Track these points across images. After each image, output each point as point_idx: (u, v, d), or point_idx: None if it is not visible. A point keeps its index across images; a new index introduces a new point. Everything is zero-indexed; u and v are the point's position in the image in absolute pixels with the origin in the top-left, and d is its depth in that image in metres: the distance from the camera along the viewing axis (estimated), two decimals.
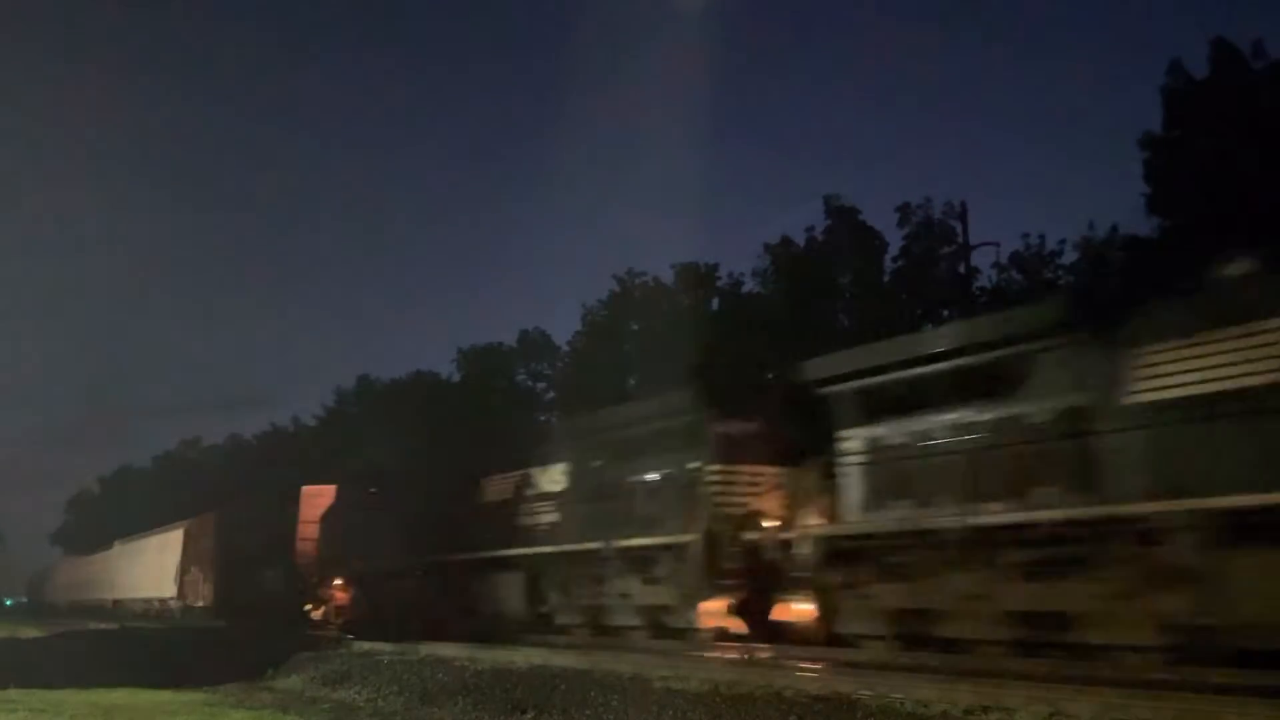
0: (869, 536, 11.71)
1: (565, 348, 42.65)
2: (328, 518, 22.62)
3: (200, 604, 30.38)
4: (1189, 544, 8.63)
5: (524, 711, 9.21)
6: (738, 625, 13.25)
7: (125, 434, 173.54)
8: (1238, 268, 9.16)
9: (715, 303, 35.39)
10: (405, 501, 20.33)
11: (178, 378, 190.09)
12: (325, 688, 12.29)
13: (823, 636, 12.35)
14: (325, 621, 21.74)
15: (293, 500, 24.37)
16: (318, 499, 23.44)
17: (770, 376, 24.95)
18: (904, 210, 30.61)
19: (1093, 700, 6.75)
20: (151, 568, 37.06)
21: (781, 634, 12.97)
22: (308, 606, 23.00)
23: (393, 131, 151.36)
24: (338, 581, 21.61)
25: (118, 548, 44.00)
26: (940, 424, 11.27)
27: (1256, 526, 8.21)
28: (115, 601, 42.87)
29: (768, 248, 33.61)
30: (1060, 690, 7.20)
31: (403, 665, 12.40)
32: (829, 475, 12.48)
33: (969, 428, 10.95)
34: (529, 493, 16.88)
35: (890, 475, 11.69)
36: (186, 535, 33.27)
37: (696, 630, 13.42)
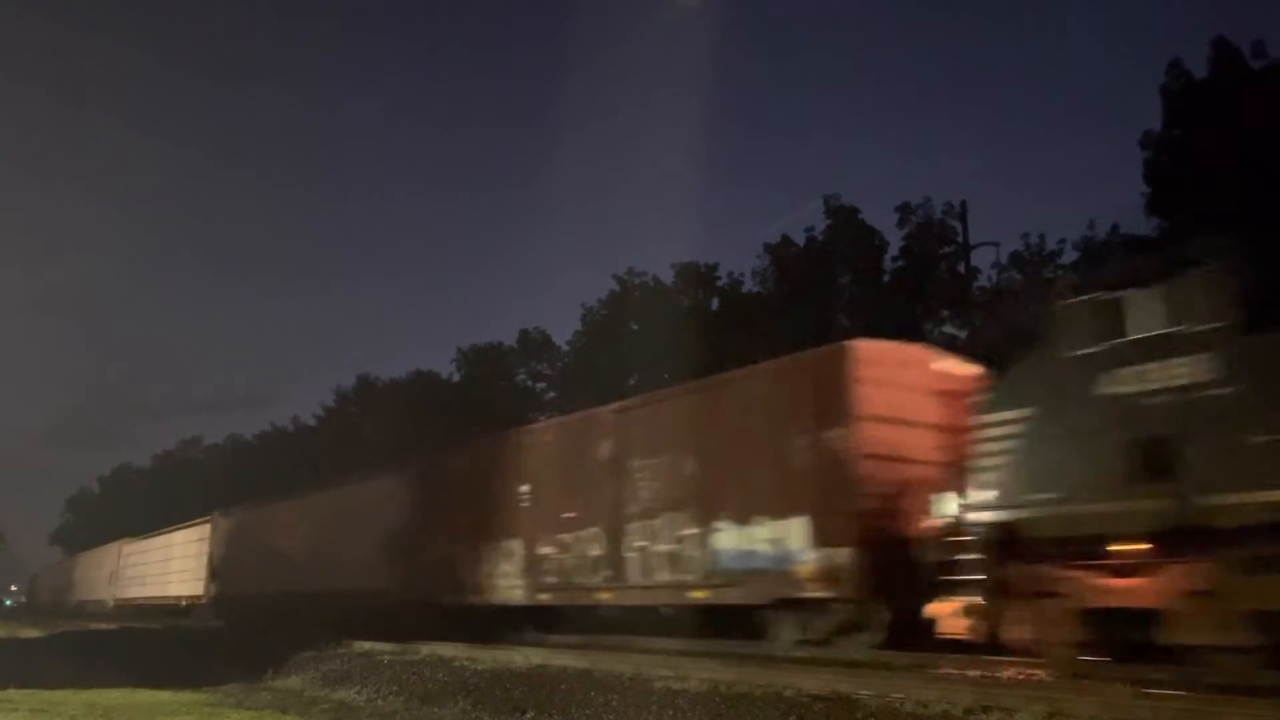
0: None
1: (565, 348, 42.75)
2: (1005, 407, 8.98)
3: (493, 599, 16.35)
4: None
5: (524, 711, 9.19)
6: None
7: (125, 434, 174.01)
8: None
9: (715, 303, 35.42)
10: None
11: (178, 378, 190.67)
12: (325, 688, 12.26)
13: None
14: (1036, 652, 8.73)
15: (798, 385, 11.68)
16: (907, 370, 11.49)
17: None
18: (904, 210, 30.64)
19: (1093, 700, 6.75)
20: (350, 546, 21.65)
21: None
22: (930, 611, 9.63)
23: (393, 132, 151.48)
24: (1122, 549, 7.99)
25: (219, 521, 30.52)
26: None
27: None
28: (215, 598, 29.60)
29: (768, 248, 33.71)
30: (1060, 690, 7.19)
31: (403, 665, 12.38)
32: None
33: None
34: None
35: None
36: (421, 480, 19.58)
37: None
